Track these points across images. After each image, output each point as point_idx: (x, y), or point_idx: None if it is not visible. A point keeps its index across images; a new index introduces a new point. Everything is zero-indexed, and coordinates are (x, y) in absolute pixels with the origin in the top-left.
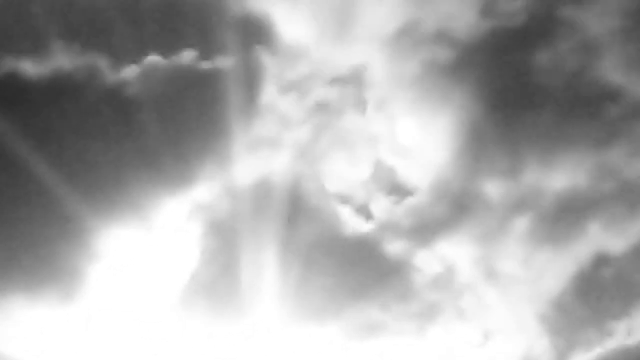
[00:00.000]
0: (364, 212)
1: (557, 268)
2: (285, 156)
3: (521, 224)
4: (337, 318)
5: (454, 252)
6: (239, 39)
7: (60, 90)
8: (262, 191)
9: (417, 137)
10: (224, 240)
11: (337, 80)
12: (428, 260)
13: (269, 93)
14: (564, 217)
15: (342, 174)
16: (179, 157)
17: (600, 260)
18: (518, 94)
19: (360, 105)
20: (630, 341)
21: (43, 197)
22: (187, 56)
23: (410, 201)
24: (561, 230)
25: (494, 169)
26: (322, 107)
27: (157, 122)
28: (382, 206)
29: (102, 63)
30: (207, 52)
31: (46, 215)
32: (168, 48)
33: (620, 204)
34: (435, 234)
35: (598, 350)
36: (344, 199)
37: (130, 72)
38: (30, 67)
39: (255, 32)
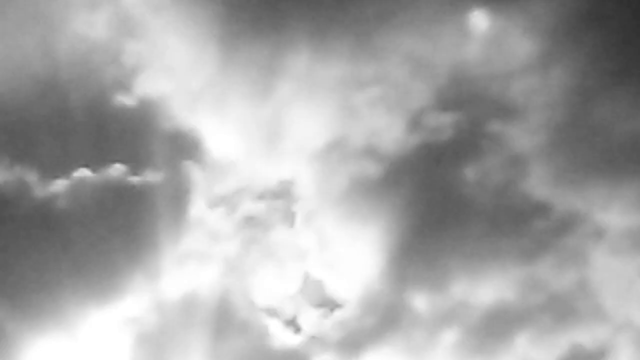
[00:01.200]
0: (293, 325)
1: None
2: (214, 270)
3: (449, 336)
4: None
5: None
6: (168, 153)
7: None
8: (190, 304)
9: (346, 251)
10: (153, 352)
11: (266, 195)
12: None
13: (197, 207)
14: (491, 330)
15: (271, 288)
16: (108, 270)
17: None
18: (446, 208)
19: (289, 219)
20: None
21: None
22: (117, 170)
23: (338, 314)
24: (489, 343)
25: (422, 282)
26: (250, 221)
27: (87, 235)
28: (310, 319)
29: (30, 177)
30: (136, 166)
31: None
32: (97, 162)
33: (547, 317)
34: (364, 347)
35: None
36: (273, 312)
37: (59, 186)
38: None
39: (184, 147)
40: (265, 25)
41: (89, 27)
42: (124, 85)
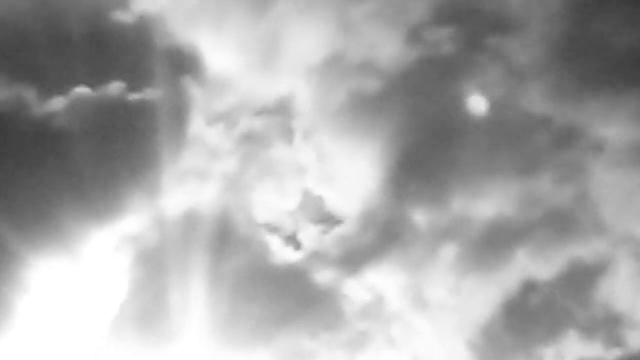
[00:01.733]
0: (293, 241)
1: (486, 295)
2: (214, 187)
3: (449, 252)
4: (267, 347)
5: (383, 280)
6: (167, 70)
7: None
8: (191, 222)
9: (345, 167)
10: (154, 270)
11: (265, 111)
12: (357, 289)
13: (197, 124)
14: (491, 245)
15: (271, 204)
16: (108, 188)
17: (528, 288)
18: (445, 123)
19: (288, 135)
20: None
21: None
22: (115, 88)
23: (338, 230)
24: (489, 258)
25: (422, 197)
26: (249, 138)
27: (86, 154)
28: (311, 236)
29: (29, 95)
30: (135, 84)
31: None
32: (96, 80)
33: (547, 232)
34: (364, 263)
35: None
36: (273, 229)
37: (58, 103)
38: None
39: (182, 64)
40: None
41: None
42: (122, 2)
